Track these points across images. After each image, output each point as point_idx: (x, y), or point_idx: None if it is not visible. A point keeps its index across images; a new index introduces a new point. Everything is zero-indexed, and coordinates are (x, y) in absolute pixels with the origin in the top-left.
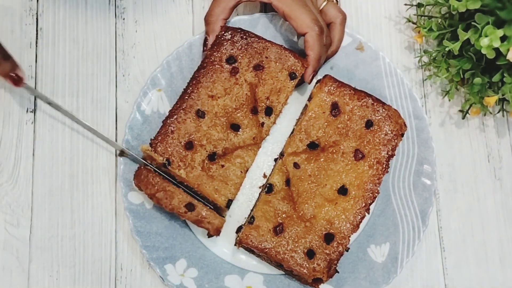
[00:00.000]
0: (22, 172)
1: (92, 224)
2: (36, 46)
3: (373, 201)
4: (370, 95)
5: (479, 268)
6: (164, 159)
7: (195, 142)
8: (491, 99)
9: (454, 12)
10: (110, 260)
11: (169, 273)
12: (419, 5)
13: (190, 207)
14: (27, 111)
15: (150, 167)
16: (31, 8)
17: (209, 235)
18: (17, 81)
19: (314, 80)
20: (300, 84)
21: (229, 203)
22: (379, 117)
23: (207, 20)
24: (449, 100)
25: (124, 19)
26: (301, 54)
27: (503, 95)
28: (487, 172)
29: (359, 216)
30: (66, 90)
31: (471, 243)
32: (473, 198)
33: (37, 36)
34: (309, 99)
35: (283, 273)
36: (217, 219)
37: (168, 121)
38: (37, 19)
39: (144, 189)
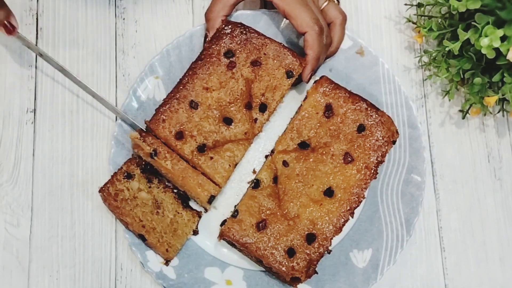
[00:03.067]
0: (22, 172)
1: (92, 224)
2: (36, 46)
3: (358, 205)
4: (365, 100)
5: (479, 268)
6: (151, 149)
7: (186, 133)
8: (491, 99)
9: (454, 12)
10: (110, 260)
11: (149, 259)
12: (419, 5)
13: (142, 237)
14: (27, 111)
15: (137, 159)
16: (31, 8)
17: (194, 233)
18: (10, 30)
19: (312, 80)
20: (299, 83)
21: (211, 198)
22: (372, 122)
23: (208, 16)
24: (449, 100)
25: (124, 19)
26: (302, 54)
27: (503, 95)
28: (487, 172)
29: (343, 219)
30: (66, 90)
31: (471, 243)
32: (473, 198)
33: (37, 36)
34: (304, 99)
35: (264, 269)
36: (168, 254)
37: (161, 110)
38: (37, 19)
39: (108, 205)
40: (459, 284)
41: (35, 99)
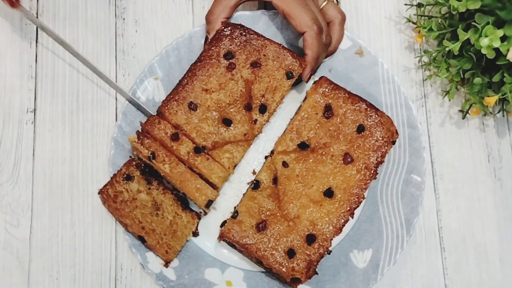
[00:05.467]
0: (22, 172)
1: (92, 224)
2: (36, 46)
3: (358, 206)
4: (364, 100)
5: (479, 268)
6: (149, 153)
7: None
8: (491, 99)
9: (454, 12)
10: (110, 260)
11: (149, 260)
12: (419, 5)
13: (141, 239)
14: (27, 111)
15: (137, 161)
16: (31, 8)
17: (194, 234)
18: (14, 2)
19: (311, 80)
20: (298, 83)
21: (209, 203)
22: (371, 123)
23: (208, 18)
24: (449, 100)
25: (124, 19)
26: (302, 54)
27: (503, 95)
28: (487, 172)
29: (343, 220)
30: (66, 90)
31: (471, 243)
32: (473, 198)
33: (37, 36)
34: (304, 99)
35: (264, 270)
36: (168, 255)
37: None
38: (37, 18)
39: (107, 207)
40: (459, 284)
41: (35, 99)
